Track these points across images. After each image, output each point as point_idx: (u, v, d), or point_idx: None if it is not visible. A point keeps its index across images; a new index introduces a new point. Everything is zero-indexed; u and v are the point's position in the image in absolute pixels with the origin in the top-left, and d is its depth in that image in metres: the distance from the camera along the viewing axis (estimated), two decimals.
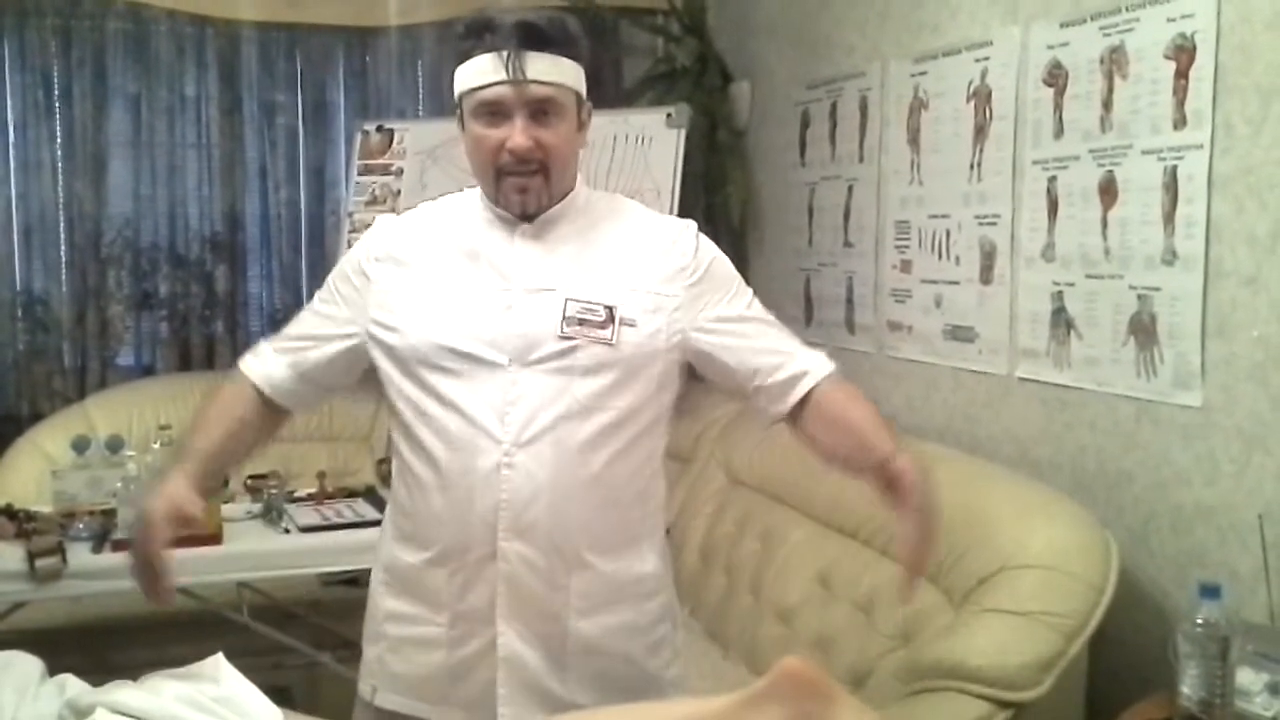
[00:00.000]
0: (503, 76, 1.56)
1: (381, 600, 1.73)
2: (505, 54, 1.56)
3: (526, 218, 1.65)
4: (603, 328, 1.59)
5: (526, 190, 1.62)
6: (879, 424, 1.62)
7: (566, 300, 1.60)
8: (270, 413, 1.77)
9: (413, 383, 1.63)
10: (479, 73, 1.58)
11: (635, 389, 1.62)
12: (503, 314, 1.60)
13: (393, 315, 1.65)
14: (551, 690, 1.62)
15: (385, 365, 1.66)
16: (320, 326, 1.73)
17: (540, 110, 1.58)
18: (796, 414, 1.65)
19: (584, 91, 1.65)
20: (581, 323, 1.59)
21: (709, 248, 1.71)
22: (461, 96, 1.63)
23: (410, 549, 1.68)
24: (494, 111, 1.59)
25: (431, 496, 1.63)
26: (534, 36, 1.57)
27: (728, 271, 1.71)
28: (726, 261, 1.72)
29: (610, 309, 1.60)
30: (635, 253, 1.66)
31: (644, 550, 1.70)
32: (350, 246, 4.26)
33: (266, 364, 1.76)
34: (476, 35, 1.59)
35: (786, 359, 1.65)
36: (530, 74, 1.56)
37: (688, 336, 1.64)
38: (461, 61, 1.61)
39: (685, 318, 1.64)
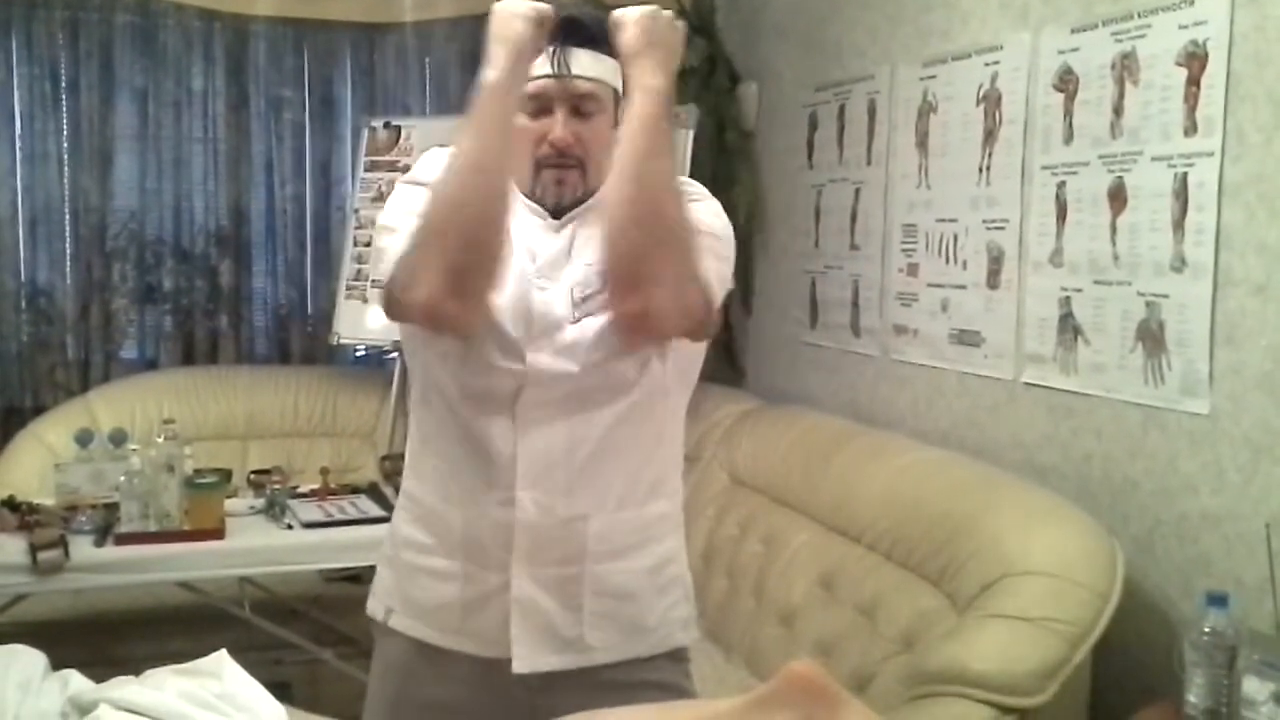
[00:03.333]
0: (547, 70, 1.60)
1: (400, 525, 1.74)
2: (551, 49, 1.60)
3: (556, 212, 1.67)
4: (602, 293, 1.61)
5: (563, 183, 1.65)
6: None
7: (572, 288, 1.62)
8: None
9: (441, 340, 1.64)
10: None
11: (637, 360, 1.63)
12: (525, 292, 1.61)
13: None
14: (564, 631, 1.64)
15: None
16: None
17: (581, 105, 1.62)
18: None
19: (621, 89, 1.67)
20: (585, 299, 1.61)
21: (700, 206, 1.70)
22: None
23: (427, 486, 1.70)
24: (536, 104, 1.62)
25: (448, 447, 1.65)
26: (578, 33, 1.61)
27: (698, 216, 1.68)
28: (704, 210, 1.70)
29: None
30: None
31: (661, 492, 1.72)
32: (356, 244, 4.30)
33: None
34: None
35: None
36: (574, 69, 1.61)
37: None
38: None
39: None
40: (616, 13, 1.61)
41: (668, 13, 1.63)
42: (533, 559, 1.62)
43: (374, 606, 1.76)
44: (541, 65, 1.60)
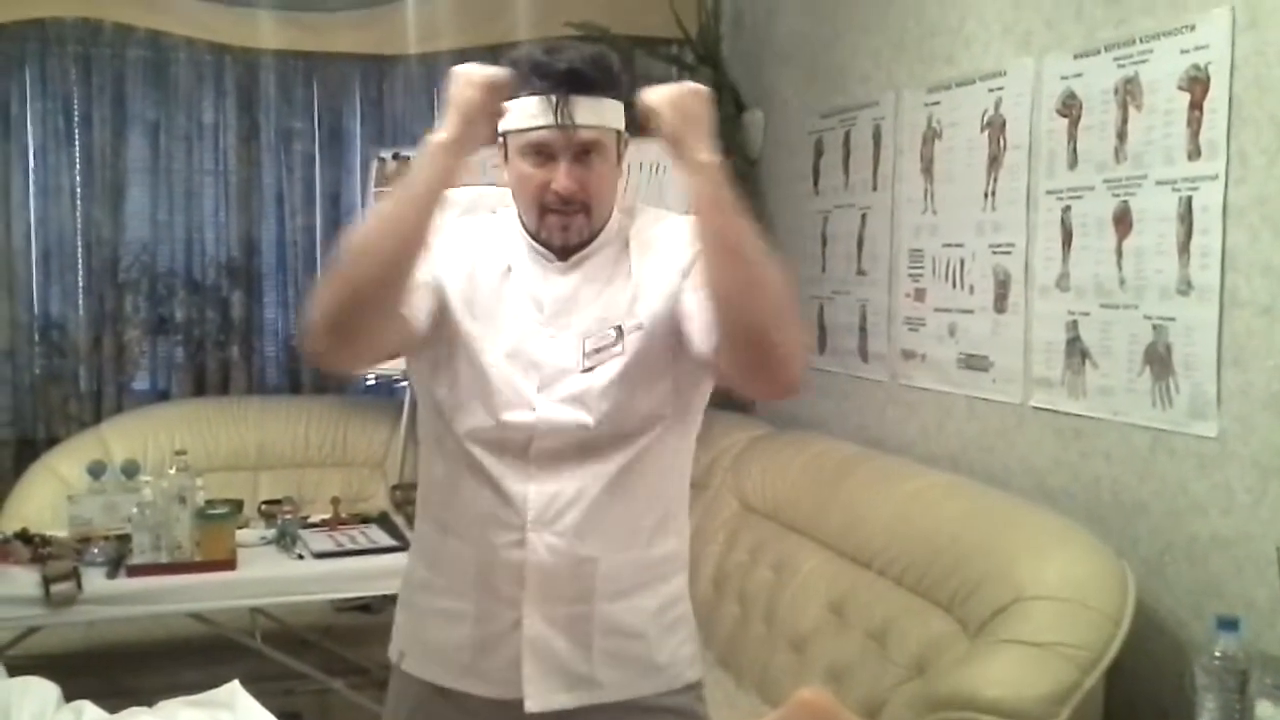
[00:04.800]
0: (550, 121, 1.60)
1: (416, 568, 1.78)
2: (553, 99, 1.59)
3: (565, 253, 1.69)
4: (614, 345, 1.65)
5: (569, 229, 1.67)
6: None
7: (584, 339, 1.65)
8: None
9: (445, 386, 1.67)
10: (526, 115, 1.61)
11: (654, 389, 1.66)
12: (532, 341, 1.65)
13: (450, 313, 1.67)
14: (575, 669, 1.66)
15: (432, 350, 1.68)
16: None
17: (584, 151, 1.63)
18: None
19: (623, 126, 1.69)
20: (598, 350, 1.65)
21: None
22: (507, 133, 1.66)
23: (438, 527, 1.73)
24: (540, 152, 1.63)
25: (459, 487, 1.67)
26: (581, 82, 1.61)
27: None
28: None
29: (619, 328, 1.65)
30: (652, 264, 1.70)
31: (669, 530, 1.74)
32: None
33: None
34: (524, 77, 1.62)
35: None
36: (577, 119, 1.60)
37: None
38: (507, 99, 1.64)
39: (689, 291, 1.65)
40: (645, 96, 1.59)
41: (692, 85, 1.61)
42: (544, 598, 1.64)
43: (392, 650, 1.79)
44: (544, 115, 1.60)
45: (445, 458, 1.70)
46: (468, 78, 1.60)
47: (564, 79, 1.60)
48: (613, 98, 1.65)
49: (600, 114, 1.63)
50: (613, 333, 1.65)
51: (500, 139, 1.68)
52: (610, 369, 1.63)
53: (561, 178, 1.62)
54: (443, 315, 1.66)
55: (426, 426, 1.75)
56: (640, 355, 1.64)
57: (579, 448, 1.64)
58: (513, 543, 1.63)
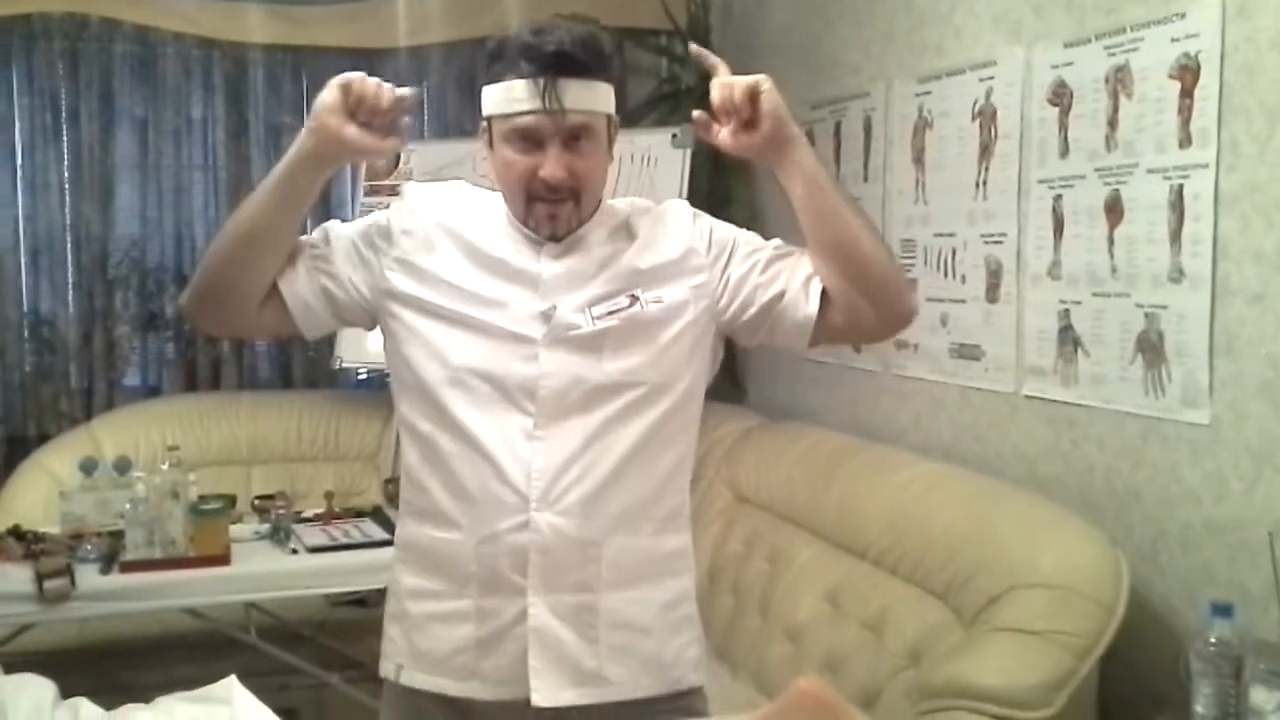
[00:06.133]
0: (538, 105, 1.55)
1: (402, 578, 1.71)
2: (541, 83, 1.55)
3: (554, 238, 1.66)
4: (630, 307, 1.63)
5: (556, 217, 1.63)
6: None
7: (589, 306, 1.62)
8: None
9: (436, 362, 1.63)
10: (513, 99, 1.57)
11: (664, 364, 1.63)
12: (533, 319, 1.61)
13: (419, 317, 1.65)
14: (582, 663, 1.62)
15: (405, 339, 1.66)
16: (340, 264, 1.69)
17: (574, 137, 1.59)
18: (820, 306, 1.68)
19: (614, 110, 1.66)
20: (611, 313, 1.62)
21: (704, 221, 1.73)
22: (491, 118, 1.62)
23: (432, 525, 1.66)
24: (527, 138, 1.58)
25: (459, 469, 1.62)
26: (568, 65, 1.56)
27: (724, 233, 1.73)
28: (719, 223, 1.74)
29: (633, 295, 1.63)
30: (651, 248, 1.68)
31: (673, 527, 1.71)
32: None
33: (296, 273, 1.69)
34: (511, 60, 1.58)
35: (789, 276, 1.69)
36: (566, 103, 1.56)
37: (718, 310, 1.67)
38: (492, 82, 1.60)
39: (709, 293, 1.67)
40: (720, 88, 1.58)
41: (765, 80, 1.60)
42: (549, 585, 1.60)
43: (385, 667, 1.73)
44: (531, 99, 1.55)
45: (439, 445, 1.63)
46: (331, 81, 1.58)
47: (552, 61, 1.55)
48: (604, 80, 1.61)
49: (590, 98, 1.58)
50: (625, 299, 1.62)
51: (485, 124, 1.64)
52: (623, 331, 1.60)
53: (550, 164, 1.57)
54: (388, 300, 1.65)
55: (414, 420, 1.67)
56: (660, 322, 1.62)
57: (586, 405, 1.59)
58: (516, 526, 1.58)
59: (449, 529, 1.64)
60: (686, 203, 1.78)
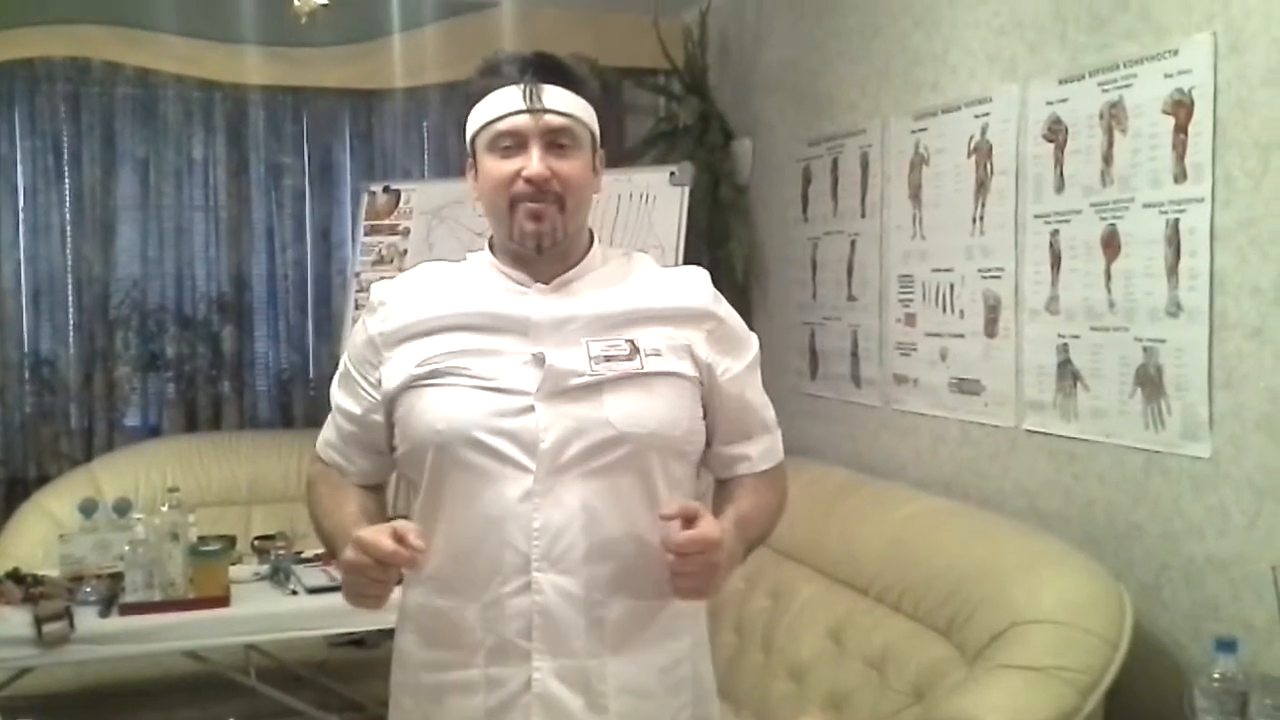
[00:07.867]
0: (520, 106, 1.57)
1: (413, 650, 1.67)
2: (523, 85, 1.57)
3: (542, 274, 1.63)
4: (629, 359, 1.58)
5: (541, 218, 1.58)
6: (744, 519, 1.65)
7: (588, 343, 1.59)
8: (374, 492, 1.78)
9: (428, 425, 1.59)
10: (496, 105, 1.59)
11: (663, 414, 1.60)
12: (527, 366, 1.58)
13: (413, 394, 1.62)
14: None
15: (403, 416, 1.64)
16: (356, 407, 1.71)
17: (556, 141, 1.58)
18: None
19: (598, 133, 1.65)
20: (608, 359, 1.58)
21: (725, 303, 1.72)
22: (475, 135, 1.62)
23: (435, 591, 1.62)
24: (510, 143, 1.58)
25: (460, 531, 1.59)
26: (551, 69, 1.59)
27: (741, 331, 1.72)
28: (739, 318, 1.73)
29: (632, 341, 1.60)
30: (653, 298, 1.66)
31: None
32: (357, 307, 4.32)
33: (347, 460, 1.75)
34: (493, 72, 1.60)
35: (745, 440, 1.73)
36: (547, 103, 1.57)
37: (713, 377, 1.65)
38: (476, 102, 1.62)
39: (708, 360, 1.64)
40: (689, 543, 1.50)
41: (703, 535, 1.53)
42: (554, 649, 1.56)
43: None
44: (514, 101, 1.57)
45: (430, 502, 1.60)
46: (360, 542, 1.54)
47: (533, 61, 1.58)
48: (585, 97, 1.62)
49: (572, 103, 1.59)
50: (625, 345, 1.59)
51: (470, 152, 1.64)
52: (622, 384, 1.57)
53: (533, 162, 1.56)
54: (391, 399, 1.64)
55: (407, 470, 1.67)
56: (660, 381, 1.59)
57: (585, 456, 1.55)
58: (519, 588, 1.54)
59: (451, 596, 1.61)
60: (707, 274, 1.75)
